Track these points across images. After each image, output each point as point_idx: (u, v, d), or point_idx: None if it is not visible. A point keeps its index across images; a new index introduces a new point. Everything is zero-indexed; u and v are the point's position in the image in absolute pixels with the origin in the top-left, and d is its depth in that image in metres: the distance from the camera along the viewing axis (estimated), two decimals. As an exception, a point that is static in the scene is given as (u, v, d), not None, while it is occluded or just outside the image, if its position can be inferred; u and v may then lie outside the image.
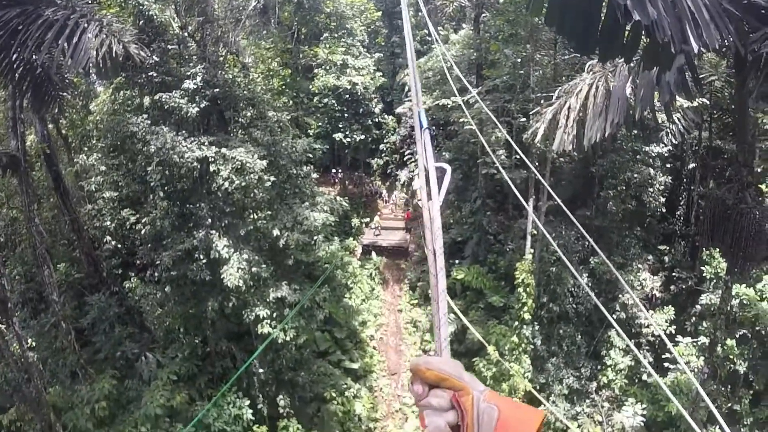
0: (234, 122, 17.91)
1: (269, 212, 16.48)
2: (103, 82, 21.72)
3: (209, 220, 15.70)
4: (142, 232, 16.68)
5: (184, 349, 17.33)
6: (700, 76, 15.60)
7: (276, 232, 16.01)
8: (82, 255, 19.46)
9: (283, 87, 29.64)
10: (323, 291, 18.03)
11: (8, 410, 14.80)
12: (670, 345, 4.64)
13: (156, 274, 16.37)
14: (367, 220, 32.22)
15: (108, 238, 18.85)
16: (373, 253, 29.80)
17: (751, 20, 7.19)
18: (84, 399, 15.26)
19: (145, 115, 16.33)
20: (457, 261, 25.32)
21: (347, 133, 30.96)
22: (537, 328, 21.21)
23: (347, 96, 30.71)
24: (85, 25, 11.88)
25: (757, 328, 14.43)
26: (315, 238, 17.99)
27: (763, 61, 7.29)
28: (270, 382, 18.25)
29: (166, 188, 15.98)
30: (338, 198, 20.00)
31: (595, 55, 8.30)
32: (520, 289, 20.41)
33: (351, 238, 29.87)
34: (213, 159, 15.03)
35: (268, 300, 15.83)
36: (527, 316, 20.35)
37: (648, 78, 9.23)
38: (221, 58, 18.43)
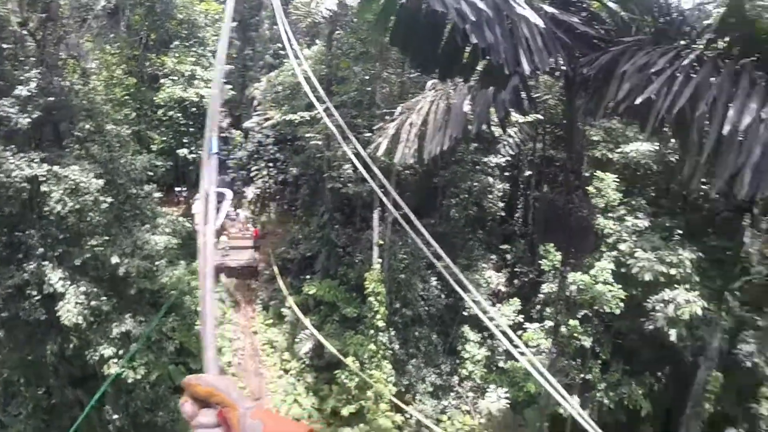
0: (69, 136, 16.07)
1: (107, 237, 15.00)
2: None
3: (41, 249, 13.89)
4: (-34, 269, 14.42)
5: (27, 404, 15.15)
6: (536, 95, 17.45)
7: (115, 259, 14.61)
8: None
9: (127, 97, 27.34)
10: (171, 320, 16.84)
11: None
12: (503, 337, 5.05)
13: (-15, 317, 14.20)
14: (215, 240, 30.92)
15: None
16: (222, 275, 28.59)
17: (581, 47, 8.17)
18: None
19: None
20: (308, 276, 25.27)
21: (193, 149, 29.22)
22: (393, 333, 21.93)
23: (194, 109, 28.95)
24: None
25: (596, 308, 16.32)
26: (158, 263, 16.83)
27: (589, 82, 8.30)
28: (127, 428, 16.65)
29: (-10, 213, 13.95)
30: (181, 219, 18.95)
31: (437, 74, 8.85)
32: (371, 298, 20.92)
33: (197, 261, 28.33)
34: (45, 178, 13.32)
35: (111, 336, 14.38)
36: (381, 324, 20.92)
37: (485, 96, 10.01)
38: (60, 62, 16.53)
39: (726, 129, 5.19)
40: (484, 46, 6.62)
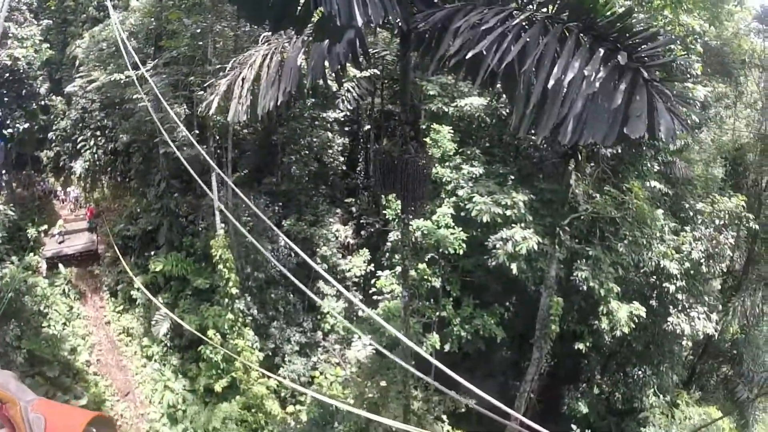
0: None
1: None
2: None
3: None
4: None
5: None
6: (374, 51, 17.35)
7: None
8: None
9: None
10: (13, 327, 14.78)
11: None
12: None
13: None
14: (46, 227, 27.56)
15: None
16: (61, 266, 25.80)
17: (418, 3, 8.18)
18: None
19: None
20: (152, 252, 23.70)
21: (8, 122, 25.11)
22: (249, 299, 21.53)
23: (7, 74, 24.80)
24: None
25: (441, 250, 17.16)
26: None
27: (424, 38, 8.35)
28: None
29: None
30: (2, 207, 16.53)
31: (267, 26, 8.36)
32: (220, 266, 20.30)
33: (31, 254, 25.09)
34: None
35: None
36: (235, 291, 20.48)
37: (320, 49, 9.73)
38: None
39: (551, 83, 5.45)
40: (316, -4, 6.30)
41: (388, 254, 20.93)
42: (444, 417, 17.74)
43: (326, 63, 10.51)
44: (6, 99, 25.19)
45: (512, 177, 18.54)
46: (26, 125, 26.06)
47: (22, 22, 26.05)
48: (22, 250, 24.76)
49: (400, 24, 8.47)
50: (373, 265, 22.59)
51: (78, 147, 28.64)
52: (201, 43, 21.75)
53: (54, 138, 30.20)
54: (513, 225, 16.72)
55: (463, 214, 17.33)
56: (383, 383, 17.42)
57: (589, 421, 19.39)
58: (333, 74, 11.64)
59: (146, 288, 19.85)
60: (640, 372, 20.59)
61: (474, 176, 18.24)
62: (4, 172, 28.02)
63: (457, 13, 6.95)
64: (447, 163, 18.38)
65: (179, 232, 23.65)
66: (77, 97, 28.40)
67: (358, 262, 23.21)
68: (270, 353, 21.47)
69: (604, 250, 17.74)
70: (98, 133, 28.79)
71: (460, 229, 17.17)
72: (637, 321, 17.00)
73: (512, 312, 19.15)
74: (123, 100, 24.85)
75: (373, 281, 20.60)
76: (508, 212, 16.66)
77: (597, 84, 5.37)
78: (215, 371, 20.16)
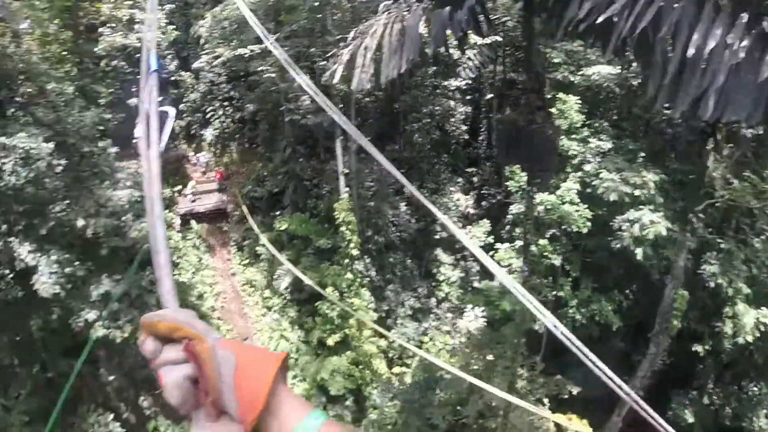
0: (11, 103, 15.14)
1: (68, 201, 14.45)
2: None
3: (4, 226, 13.38)
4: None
5: (25, 384, 15.08)
6: (495, 17, 17.03)
7: (81, 221, 14.16)
8: None
9: (65, 53, 25.67)
10: (148, 274, 16.62)
11: None
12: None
13: (-37, 306, 13.80)
14: (180, 187, 30.30)
15: None
16: (193, 222, 28.23)
17: None
18: None
19: None
20: (278, 212, 25.20)
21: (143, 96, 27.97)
22: (368, 261, 22.30)
23: (138, 55, 27.49)
24: None
25: (564, 227, 16.72)
26: (124, 218, 16.45)
27: (549, 2, 8.12)
28: (126, 387, 16.87)
29: (-57, 199, 13.31)
30: (141, 170, 18.40)
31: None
32: (343, 228, 21.06)
33: (166, 211, 27.90)
34: (-8, 152, 12.67)
35: (92, 300, 14.18)
36: (355, 252, 21.21)
37: (441, 16, 9.77)
38: None
39: (690, 52, 5.09)
40: (438, -40, 6.43)
41: (508, 227, 20.74)
42: (545, 400, 17.49)
43: (448, 30, 10.57)
44: (139, 77, 27.47)
45: (642, 154, 17.54)
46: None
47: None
48: (157, 208, 27.38)
49: None
50: (492, 237, 22.53)
51: (207, 117, 30.90)
52: (319, 15, 22.43)
53: (185, 109, 32.66)
54: (641, 206, 15.93)
55: (588, 190, 16.74)
56: (490, 357, 17.49)
57: (692, 432, 18.02)
58: (455, 41, 11.68)
59: (271, 245, 21.32)
60: (756, 388, 18.56)
61: (602, 151, 17.50)
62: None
63: (583, -26, 6.70)
64: (573, 136, 17.75)
65: (303, 194, 24.92)
66: (204, 72, 30.56)
67: (478, 232, 23.25)
68: (383, 315, 22.32)
69: (738, 244, 16.46)
70: (226, 103, 30.97)
71: (585, 206, 16.63)
72: (763, 330, 15.66)
73: (631, 300, 18.32)
74: (248, 72, 26.41)
75: (491, 253, 20.64)
76: (637, 192, 15.84)
77: (741, 54, 4.90)
78: (329, 326, 21.31)
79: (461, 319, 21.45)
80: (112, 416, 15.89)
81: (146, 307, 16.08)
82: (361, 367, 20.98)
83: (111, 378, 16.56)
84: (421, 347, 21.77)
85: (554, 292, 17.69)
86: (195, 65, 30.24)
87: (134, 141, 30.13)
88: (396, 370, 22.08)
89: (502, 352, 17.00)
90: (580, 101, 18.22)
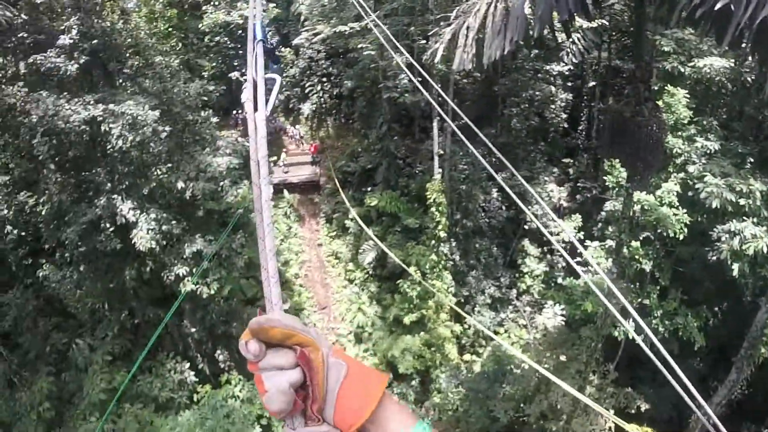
0: (120, 74, 16.21)
1: (170, 165, 15.43)
2: None
3: (109, 184, 14.43)
4: (42, 212, 15.29)
5: (112, 327, 16.43)
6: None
7: (180, 184, 15.04)
8: None
9: (170, 29, 27.28)
10: (239, 237, 17.40)
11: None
12: (582, 249, 4.88)
13: (66, 254, 15.15)
14: (275, 158, 31.36)
15: (8, 227, 17.04)
16: (285, 191, 29.11)
17: None
18: (27, 405, 14.44)
19: (20, 83, 14.55)
20: (369, 188, 25.52)
21: (244, 71, 29.14)
22: (454, 244, 22.06)
23: (240, 32, 28.71)
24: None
25: (659, 231, 15.53)
26: (222, 184, 17.21)
27: None
28: (205, 340, 17.95)
29: (56, 159, 14.46)
30: (240, 139, 19.16)
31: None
32: (433, 209, 20.92)
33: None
34: (102, 118, 13.51)
35: (184, 257, 15.10)
36: (443, 234, 21.05)
37: (547, -4, 9.25)
38: (97, 6, 16.51)
39: None
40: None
41: (600, 224, 19.71)
42: (611, 412, 16.66)
43: (554, 12, 10.01)
44: (241, 52, 28.61)
45: (752, 159, 15.98)
46: None
47: None
48: (253, 176, 28.52)
49: None
50: (582, 233, 21.59)
51: (306, 92, 31.65)
52: (421, -7, 22.17)
53: (284, 84, 33.57)
54: (744, 218, 14.45)
55: (690, 194, 15.44)
56: (563, 357, 16.84)
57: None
58: (559, 24, 11.07)
59: (360, 219, 21.61)
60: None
61: (708, 152, 16.07)
62: (240, 111, 32.14)
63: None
64: (679, 133, 16.42)
65: (396, 172, 25.04)
66: (304, 48, 31.34)
67: (569, 227, 22.36)
68: (462, 300, 22.10)
69: None
70: (324, 79, 31.69)
71: (684, 210, 15.40)
72: None
73: (719, 319, 16.83)
74: (347, 49, 26.69)
75: (579, 250, 19.72)
76: (742, 201, 14.40)
77: None
78: (408, 305, 21.34)
79: (539, 314, 20.84)
80: (188, 365, 16.92)
81: (234, 268, 16.88)
82: (432, 349, 20.96)
83: (192, 330, 17.60)
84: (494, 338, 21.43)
85: (639, 299, 16.54)
86: (295, 42, 30.97)
87: (240, 108, 31.65)
88: (466, 357, 21.94)
89: (576, 354, 16.31)
90: (688, 95, 16.82)
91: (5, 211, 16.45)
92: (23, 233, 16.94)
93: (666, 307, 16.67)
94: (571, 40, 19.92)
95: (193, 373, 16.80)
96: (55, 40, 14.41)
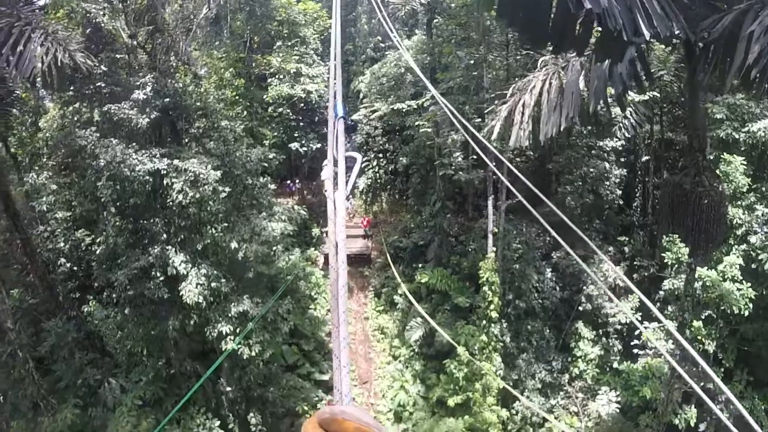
0: (186, 133, 17.25)
1: (226, 224, 15.86)
2: (53, 97, 20.88)
3: (164, 235, 15.01)
4: (97, 252, 15.95)
5: (147, 372, 16.58)
6: (652, 71, 16.06)
7: (234, 244, 15.40)
8: (36, 279, 18.44)
9: (237, 97, 29.02)
10: (286, 303, 17.48)
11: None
12: (643, 328, 4.57)
13: (114, 295, 15.66)
14: (327, 230, 31.86)
15: (62, 260, 17.94)
16: (335, 262, 29.43)
17: (700, 8, 7.31)
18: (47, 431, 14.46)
19: (93, 128, 15.66)
20: (420, 264, 25.27)
21: (303, 142, 30.41)
22: (505, 325, 21.26)
23: (302, 105, 30.26)
24: (30, 33, 11.41)
25: (723, 308, 14.68)
26: (274, 248, 17.54)
27: (711, 49, 7.41)
28: (239, 400, 17.67)
29: (118, 204, 15.23)
30: (296, 207, 19.63)
31: (548, 50, 8.32)
32: (486, 288, 20.38)
33: (312, 248, 29.38)
34: (165, 171, 14.31)
35: (230, 315, 15.23)
36: (494, 314, 20.36)
37: (600, 71, 9.35)
38: (172, 68, 17.84)
39: None
40: (599, 12, 6.11)
41: (659, 304, 18.77)
42: None
43: (608, 86, 10.04)
44: (302, 124, 30.63)
45: None
46: (318, 145, 30.97)
47: (311, 64, 31.41)
48: (306, 244, 29.09)
49: (681, 36, 7.59)
50: (640, 313, 20.54)
51: (362, 166, 32.47)
52: (475, 73, 22.87)
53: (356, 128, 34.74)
54: None
55: (753, 266, 14.64)
56: None
57: None
58: (613, 98, 11.09)
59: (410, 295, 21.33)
60: None
61: (770, 220, 15.35)
62: (297, 181, 33.16)
63: (746, 14, 5.96)
64: (738, 202, 15.81)
65: (448, 249, 24.83)
66: (362, 124, 32.65)
67: (626, 308, 21.33)
68: (511, 383, 20.96)
69: None
70: (380, 155, 32.70)
71: (748, 284, 14.54)
72: None
73: None
74: (403, 126, 27.56)
75: (637, 332, 18.72)
76: None
77: None
78: (453, 386, 20.43)
79: (593, 401, 19.55)
80: (218, 423, 16.55)
81: (278, 333, 16.82)
82: (476, 434, 19.77)
83: (228, 389, 17.35)
84: (543, 425, 20.08)
85: (702, 383, 15.36)
86: (353, 117, 32.27)
87: (296, 178, 32.56)
88: (511, 444, 20.54)
89: None
90: (744, 162, 16.28)
91: (62, 245, 17.33)
92: (75, 268, 17.78)
93: (732, 390, 15.41)
94: (623, 114, 19.87)
95: (222, 432, 16.49)
96: (130, 93, 15.54)
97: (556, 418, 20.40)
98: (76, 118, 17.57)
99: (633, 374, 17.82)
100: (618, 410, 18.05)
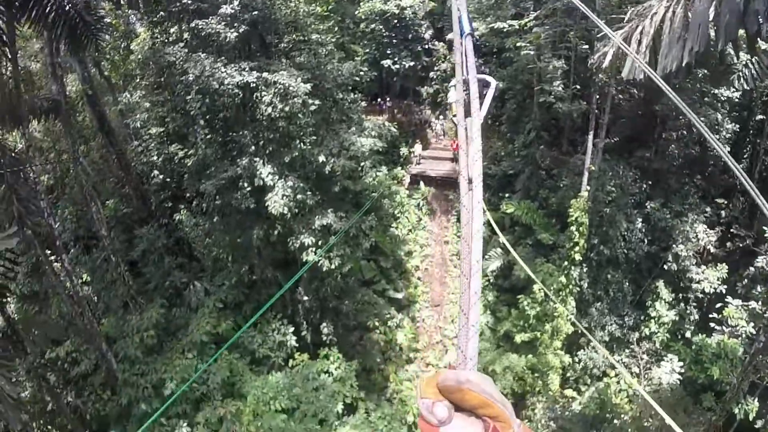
0: (275, 47, 17.05)
1: (314, 138, 15.94)
2: (142, 21, 21.35)
3: (253, 147, 15.27)
4: (188, 164, 16.53)
5: (231, 277, 17.54)
6: None
7: (322, 158, 15.51)
8: (130, 190, 19.92)
9: (328, 12, 28.43)
10: (369, 219, 17.55)
11: (64, 343, 15.55)
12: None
13: (203, 204, 16.36)
14: (415, 149, 31.57)
15: (156, 172, 18.90)
16: (422, 183, 29.18)
17: None
18: (134, 328, 15.74)
19: (181, 44, 15.77)
20: (507, 195, 24.59)
21: (396, 59, 29.50)
22: (585, 270, 20.58)
23: (395, 21, 29.10)
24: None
25: None
26: (362, 164, 17.50)
27: None
28: (314, 310, 18.46)
29: (207, 117, 15.59)
30: (386, 123, 19.33)
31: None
32: (573, 228, 19.57)
33: (399, 168, 29.29)
34: (255, 84, 14.32)
35: (313, 228, 15.56)
36: (577, 257, 19.64)
37: (734, 4, 8.24)
38: None
39: None
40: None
41: (746, 281, 17.39)
42: None
43: (741, 23, 8.87)
44: (395, 41, 29.53)
45: None
46: (411, 63, 30.04)
47: None
48: (393, 163, 29.14)
49: None
50: (725, 286, 19.26)
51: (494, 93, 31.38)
52: (586, -6, 20.80)
53: (434, 77, 33.59)
54: None
55: None
56: (669, 421, 14.96)
57: None
58: (743, 40, 9.83)
59: (495, 224, 20.92)
60: None
61: None
62: (388, 99, 32.59)
63: None
64: None
65: (537, 182, 24.00)
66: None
67: (712, 276, 20.07)
68: (579, 331, 20.60)
69: None
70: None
71: None
72: None
73: None
74: (501, 48, 25.94)
75: (719, 305, 17.58)
76: None
77: None
78: (523, 323, 20.38)
79: (657, 366, 18.68)
80: (292, 329, 17.43)
81: (358, 249, 17.10)
82: (535, 375, 19.79)
83: (305, 298, 18.11)
84: (601, 379, 19.64)
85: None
86: (449, 36, 30.74)
87: (386, 95, 32.03)
88: (567, 392, 20.44)
89: (685, 422, 14.45)
90: None
91: (155, 158, 18.21)
92: (168, 179, 18.72)
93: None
94: (743, 62, 17.75)
95: (295, 338, 17.26)
96: (218, 8, 15.45)
97: (616, 374, 19.86)
98: (165, 37, 17.80)
99: (705, 349, 16.97)
100: (679, 382, 17.28)
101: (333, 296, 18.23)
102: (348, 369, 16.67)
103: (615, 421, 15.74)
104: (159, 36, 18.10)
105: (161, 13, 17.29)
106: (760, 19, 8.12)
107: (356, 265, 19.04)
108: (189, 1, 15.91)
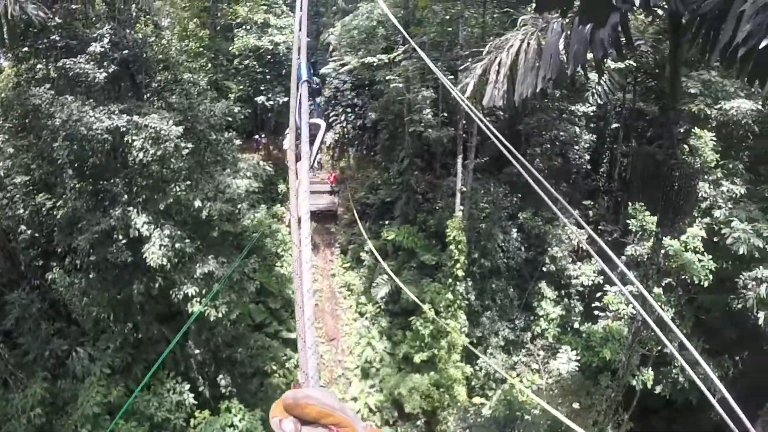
0: (147, 87, 16.32)
1: (189, 182, 15.23)
2: (6, 55, 19.49)
3: (125, 196, 14.33)
4: (58, 216, 15.20)
5: (115, 339, 16.06)
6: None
7: (198, 203, 14.83)
8: None
9: (201, 49, 27.69)
10: (252, 261, 17.12)
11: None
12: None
13: (77, 261, 15.01)
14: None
15: (23, 227, 16.94)
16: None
17: None
18: (18, 408, 14.08)
19: (48, 85, 14.64)
20: (387, 221, 25.22)
21: (270, 96, 29.32)
22: (470, 283, 21.58)
23: (269, 57, 28.98)
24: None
25: (683, 277, 15.12)
26: (239, 206, 17.01)
27: (697, 23, 7.23)
28: (208, 363, 17.48)
29: (76, 165, 14.42)
30: (261, 163, 19.05)
31: (530, 8, 8.01)
32: (452, 246, 20.50)
33: (278, 205, 28.88)
34: (125, 128, 13.55)
35: (195, 276, 14.82)
36: (460, 273, 20.57)
37: (581, 35, 9.11)
38: (131, 19, 16.73)
39: None
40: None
41: (620, 269, 19.19)
42: None
43: (587, 50, 9.82)
44: (269, 77, 29.22)
45: None
46: (285, 99, 29.40)
47: (279, 14, 29.96)
48: (272, 201, 28.50)
49: (669, 6, 7.34)
50: (601, 277, 21.05)
51: (329, 121, 31.75)
52: (450, 29, 22.31)
53: (322, 92, 33.84)
54: None
55: (715, 239, 15.02)
56: (576, 405, 16.21)
57: None
58: (591, 64, 10.90)
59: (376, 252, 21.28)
60: None
61: (734, 196, 15.68)
62: (263, 135, 32.30)
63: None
64: (705, 176, 16.10)
65: (415, 207, 24.78)
66: (330, 78, 31.65)
67: (588, 270, 21.85)
68: (475, 341, 21.51)
69: None
70: (349, 110, 32.01)
71: (709, 257, 14.91)
72: None
73: (740, 370, 16.32)
74: (373, 81, 26.82)
75: (598, 294, 19.10)
76: None
77: None
78: (419, 343, 20.75)
79: (554, 359, 20.21)
80: (188, 386, 16.42)
81: (244, 293, 16.55)
82: (441, 390, 20.26)
83: (196, 351, 17.18)
84: (505, 382, 20.70)
85: (659, 348, 15.92)
86: (322, 71, 31.26)
87: (262, 132, 31.62)
88: (475, 399, 21.21)
89: (590, 403, 15.65)
90: (714, 138, 16.62)
91: (21, 211, 16.42)
92: (37, 234, 16.86)
93: (687, 356, 16.04)
94: (597, 81, 19.81)
95: (192, 395, 16.28)
96: (87, 46, 14.60)
97: (518, 374, 21.01)
98: (30, 75, 16.42)
99: (593, 335, 18.39)
100: (578, 369, 18.66)
101: (225, 345, 17.44)
102: (252, 419, 15.93)
103: (526, 417, 16.47)
104: (24, 74, 16.59)
105: (26, 49, 15.92)
106: (606, 46, 9.04)
107: (245, 310, 18.39)
108: (57, 38, 14.83)
